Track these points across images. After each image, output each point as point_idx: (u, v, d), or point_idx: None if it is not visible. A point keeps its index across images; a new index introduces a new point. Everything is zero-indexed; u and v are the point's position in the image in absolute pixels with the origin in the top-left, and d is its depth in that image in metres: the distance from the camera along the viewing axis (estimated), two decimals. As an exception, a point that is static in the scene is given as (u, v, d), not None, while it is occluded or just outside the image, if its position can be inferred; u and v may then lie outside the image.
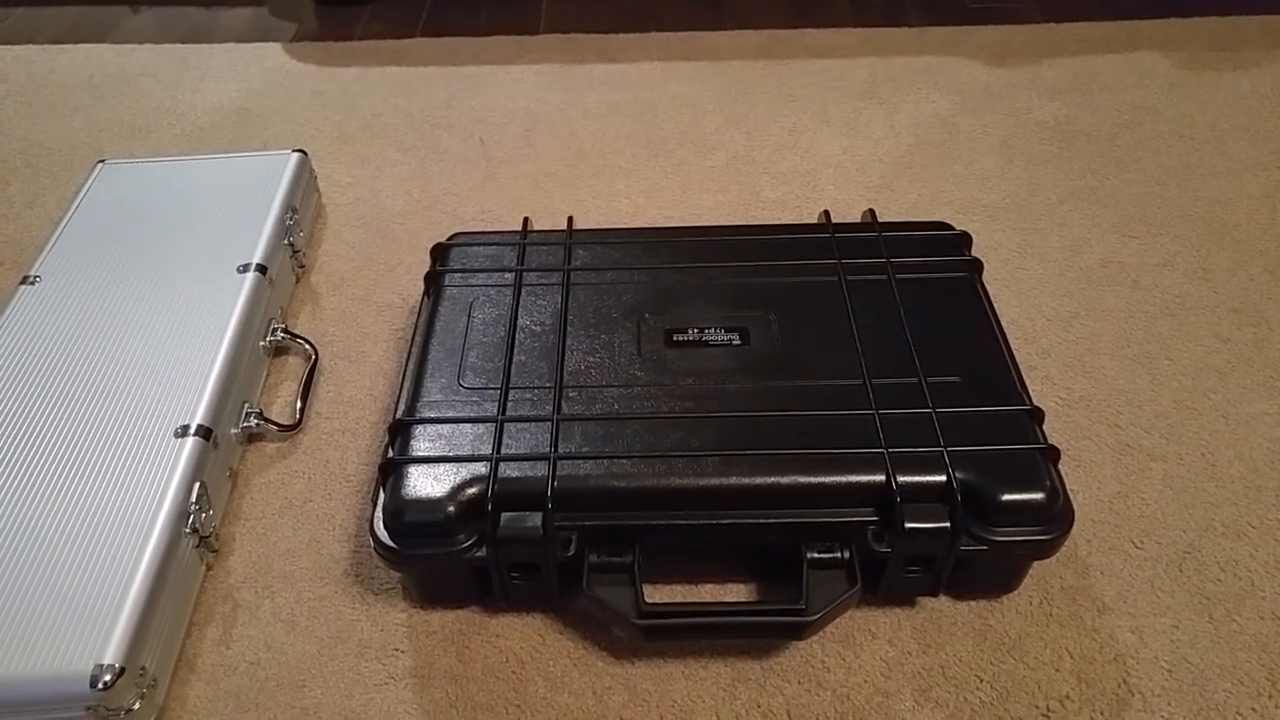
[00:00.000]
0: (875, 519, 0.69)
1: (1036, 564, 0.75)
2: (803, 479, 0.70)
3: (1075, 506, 0.70)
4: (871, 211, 0.93)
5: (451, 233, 0.93)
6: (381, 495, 0.71)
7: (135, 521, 0.72)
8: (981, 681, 0.70)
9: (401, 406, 0.77)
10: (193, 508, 0.75)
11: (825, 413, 0.74)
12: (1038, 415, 0.74)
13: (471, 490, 0.70)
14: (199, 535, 0.76)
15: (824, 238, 0.89)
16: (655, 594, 0.75)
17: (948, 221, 0.92)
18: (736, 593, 0.76)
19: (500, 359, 0.79)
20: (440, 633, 0.74)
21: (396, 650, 0.73)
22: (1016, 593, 0.75)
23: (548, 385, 0.77)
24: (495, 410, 0.75)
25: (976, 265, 0.86)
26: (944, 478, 0.69)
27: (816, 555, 0.69)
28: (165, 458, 0.76)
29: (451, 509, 0.69)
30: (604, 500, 0.70)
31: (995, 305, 0.84)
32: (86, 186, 1.05)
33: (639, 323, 0.82)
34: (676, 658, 0.72)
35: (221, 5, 1.59)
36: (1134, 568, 0.77)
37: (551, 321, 0.82)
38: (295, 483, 0.85)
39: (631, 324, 0.82)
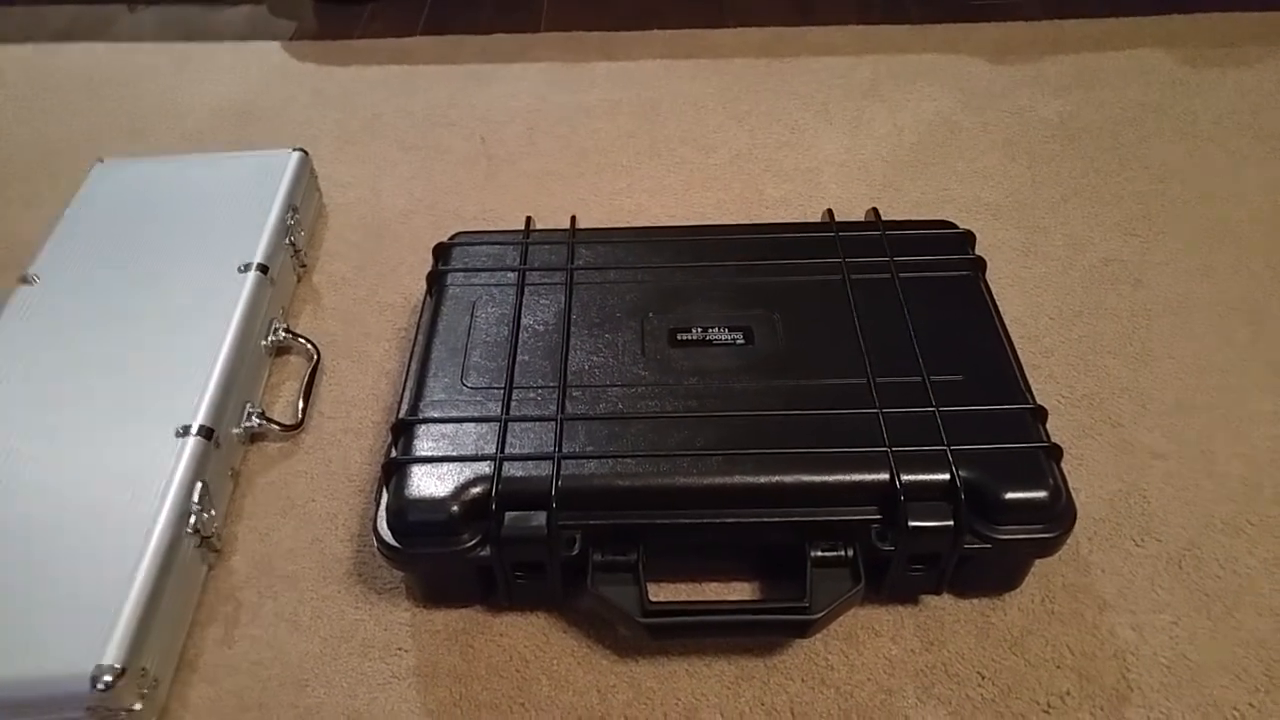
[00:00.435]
0: (879, 517, 0.70)
1: (1038, 562, 0.75)
2: (806, 478, 0.70)
3: (1077, 504, 0.71)
4: (875, 210, 0.93)
5: (453, 232, 0.93)
6: (385, 495, 0.71)
7: (136, 521, 0.72)
8: (983, 678, 0.70)
9: (404, 406, 0.77)
10: (194, 508, 0.75)
11: (829, 411, 0.74)
12: (1041, 414, 0.74)
13: (475, 489, 0.70)
14: (200, 535, 0.76)
15: (828, 236, 0.89)
16: (659, 593, 0.75)
17: (951, 220, 0.92)
18: (740, 591, 0.76)
19: (503, 358, 0.79)
20: (444, 632, 0.74)
21: (400, 649, 0.73)
22: (1019, 590, 0.75)
23: (551, 385, 0.77)
24: (499, 410, 0.75)
25: (980, 264, 0.86)
26: (947, 476, 0.69)
27: (820, 554, 0.69)
28: (166, 458, 0.76)
29: (455, 508, 0.69)
30: (608, 499, 0.70)
31: (998, 303, 0.84)
32: (85, 186, 1.05)
33: (643, 322, 0.82)
34: (681, 656, 0.72)
35: (220, 3, 1.58)
36: (1134, 565, 0.77)
37: (555, 321, 0.82)
38: (298, 483, 0.85)
39: (635, 323, 0.82)
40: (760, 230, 0.92)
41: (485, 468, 0.70)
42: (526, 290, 0.85)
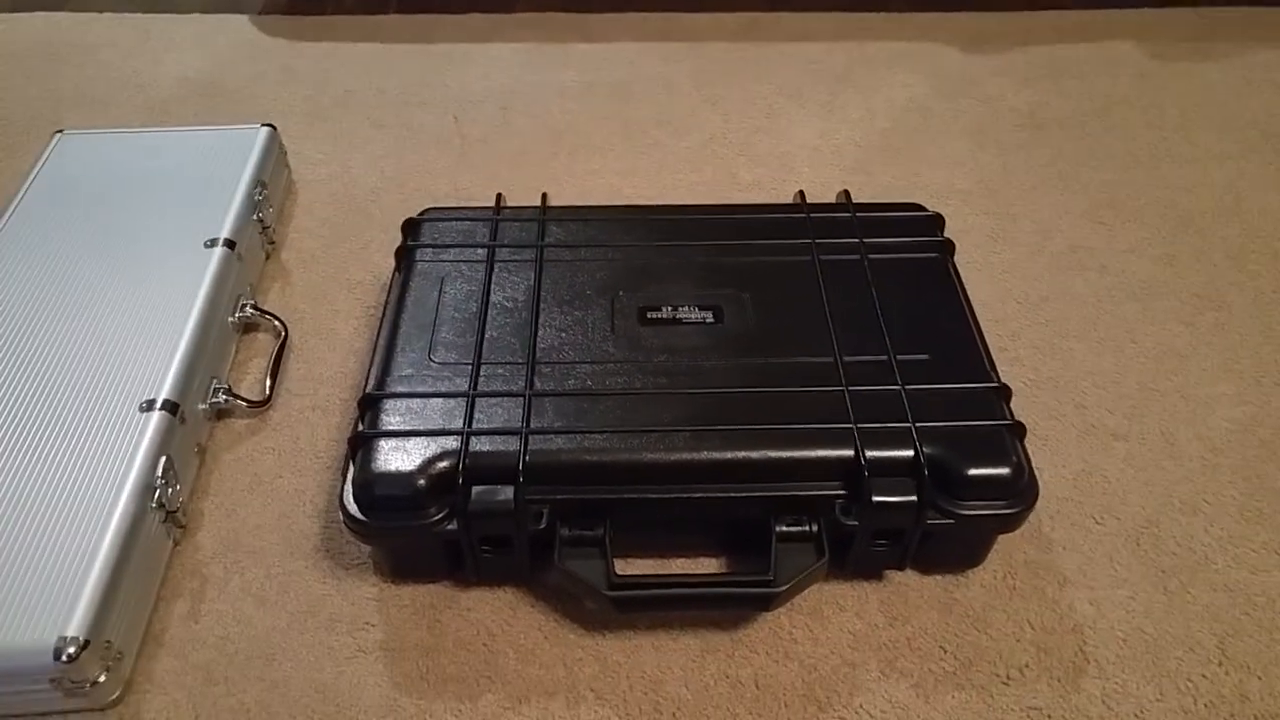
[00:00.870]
0: (844, 493, 0.70)
1: (1001, 539, 0.76)
2: (773, 453, 0.70)
3: (1040, 483, 0.72)
4: (846, 192, 0.93)
5: (423, 209, 0.92)
6: (351, 469, 0.71)
7: (100, 495, 0.71)
8: (945, 652, 0.71)
9: (371, 381, 0.76)
10: (158, 482, 0.74)
11: (796, 389, 0.74)
12: (1005, 393, 0.75)
13: (442, 464, 0.70)
14: (165, 510, 0.75)
15: (798, 218, 0.90)
16: (626, 568, 0.75)
17: (922, 204, 0.92)
18: (707, 566, 0.76)
19: (472, 335, 0.79)
20: (411, 606, 0.74)
21: (367, 624, 0.73)
22: (981, 567, 0.76)
23: (520, 361, 0.77)
24: (467, 385, 0.75)
25: (949, 246, 0.87)
26: (911, 452, 0.70)
27: (785, 528, 0.70)
28: (130, 432, 0.76)
29: (422, 482, 0.69)
30: (576, 474, 0.70)
31: (967, 288, 0.84)
32: (45, 158, 1.03)
33: (613, 300, 0.82)
34: (647, 630, 0.73)
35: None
36: (1094, 542, 0.78)
37: (524, 298, 0.82)
38: (265, 459, 0.85)
39: (605, 301, 0.82)
40: (731, 210, 0.92)
41: (452, 442, 0.70)
42: (496, 267, 0.85)
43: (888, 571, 0.76)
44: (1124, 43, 1.37)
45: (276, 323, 0.95)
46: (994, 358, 0.78)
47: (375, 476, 0.69)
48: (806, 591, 0.74)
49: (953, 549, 0.75)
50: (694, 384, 0.75)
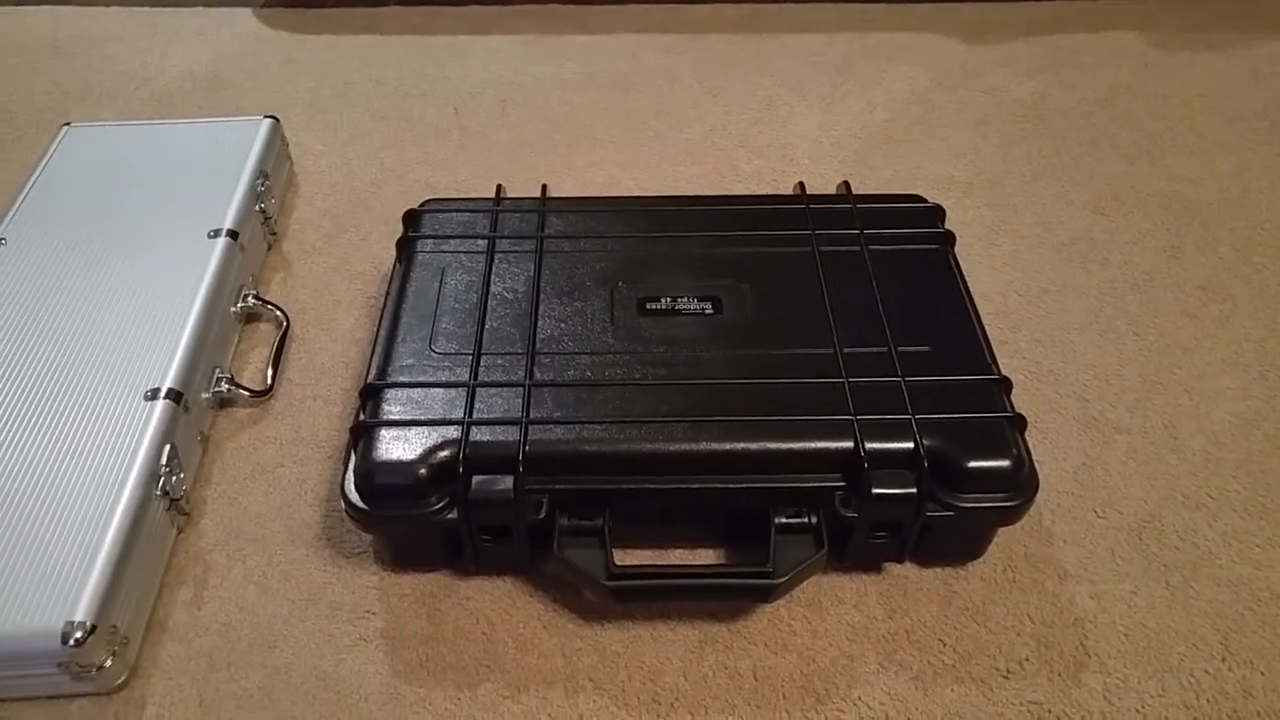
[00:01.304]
0: (843, 484, 0.70)
1: (1001, 532, 0.76)
2: (772, 445, 0.70)
3: (1041, 476, 0.72)
4: (846, 183, 0.93)
5: (424, 200, 0.93)
6: (353, 458, 0.71)
7: (106, 483, 0.72)
8: (944, 645, 0.71)
9: (373, 370, 0.76)
10: (163, 470, 0.75)
11: (796, 380, 0.74)
12: (1005, 385, 0.75)
13: (443, 453, 0.70)
14: (169, 498, 0.76)
15: (798, 209, 0.89)
16: (625, 558, 0.75)
17: (922, 196, 0.92)
18: (705, 557, 0.76)
19: (472, 325, 0.79)
20: (411, 595, 0.74)
21: (368, 612, 0.73)
22: (981, 560, 0.76)
23: (520, 351, 0.77)
24: (467, 375, 0.75)
25: (949, 238, 0.87)
26: (911, 444, 0.70)
27: (785, 520, 0.70)
28: (135, 420, 0.76)
29: (422, 471, 0.69)
30: (575, 464, 0.70)
31: (968, 280, 0.84)
32: (52, 149, 1.03)
33: (612, 291, 0.82)
34: (645, 620, 0.73)
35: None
36: (1095, 536, 0.78)
37: (524, 288, 0.82)
38: (267, 448, 0.85)
39: (604, 292, 0.82)
40: (731, 202, 0.92)
41: (453, 432, 0.71)
42: (496, 258, 0.85)
43: (887, 564, 0.76)
44: (1127, 32, 1.37)
45: (278, 313, 0.96)
46: (995, 350, 0.78)
47: (376, 465, 0.70)
48: (805, 583, 0.74)
49: (952, 542, 0.75)
50: (693, 375, 0.75)
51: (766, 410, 0.72)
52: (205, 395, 0.84)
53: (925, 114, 1.23)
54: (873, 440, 0.70)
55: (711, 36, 1.38)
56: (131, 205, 0.96)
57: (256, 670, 0.70)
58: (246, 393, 0.88)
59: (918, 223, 0.88)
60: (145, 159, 1.02)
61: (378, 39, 1.38)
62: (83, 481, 0.72)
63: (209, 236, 0.92)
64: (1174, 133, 1.19)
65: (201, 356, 0.84)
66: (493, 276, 0.83)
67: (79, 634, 0.63)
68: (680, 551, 0.77)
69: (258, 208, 1.00)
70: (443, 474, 0.69)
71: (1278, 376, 0.90)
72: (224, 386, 0.87)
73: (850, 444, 0.70)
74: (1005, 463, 0.70)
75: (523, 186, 1.11)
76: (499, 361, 0.76)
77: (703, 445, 0.70)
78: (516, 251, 0.86)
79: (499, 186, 0.93)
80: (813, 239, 0.86)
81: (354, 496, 0.70)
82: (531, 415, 0.72)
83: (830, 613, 0.73)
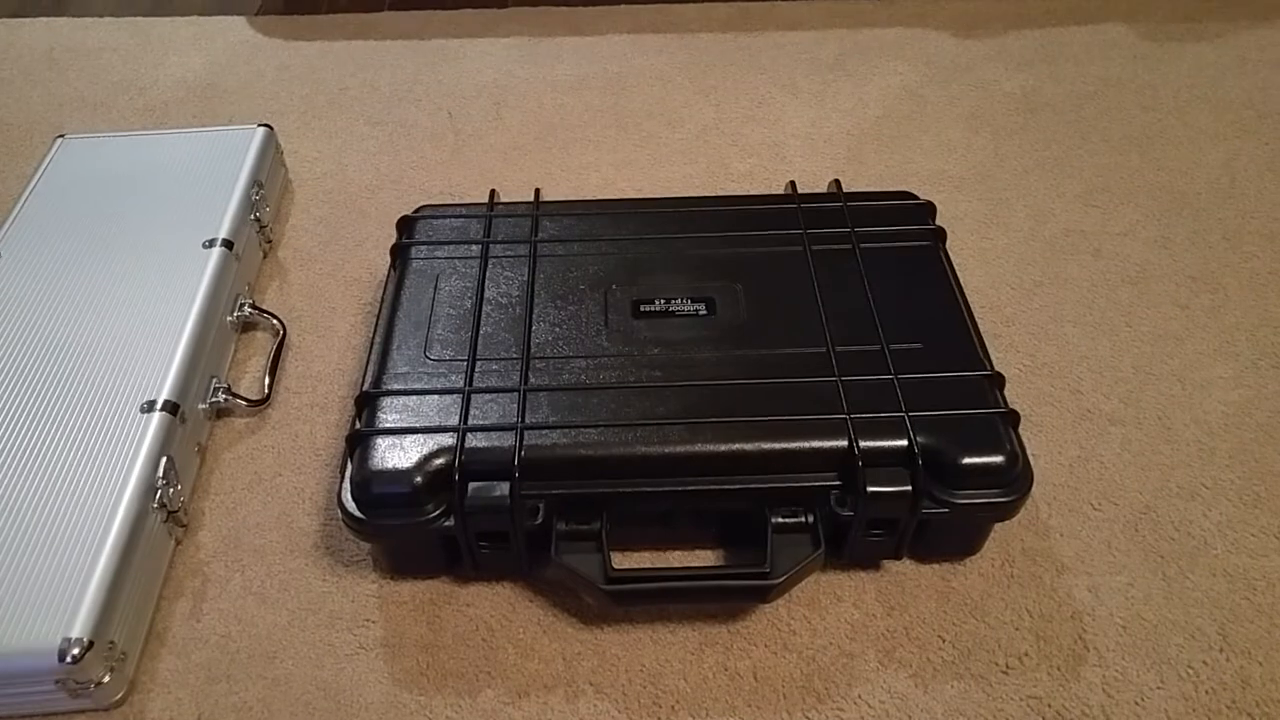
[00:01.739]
0: (838, 483, 0.70)
1: (998, 526, 0.76)
2: (767, 445, 0.70)
3: (1036, 470, 0.72)
4: (837, 182, 0.93)
5: (418, 206, 0.93)
6: (349, 467, 0.72)
7: (102, 496, 0.72)
8: (944, 641, 0.72)
9: (368, 379, 0.77)
10: (160, 482, 0.75)
11: (789, 380, 0.74)
12: (999, 380, 0.75)
13: (439, 461, 0.70)
14: (167, 510, 0.76)
15: (790, 208, 0.90)
16: (623, 561, 0.75)
17: (913, 192, 0.92)
18: (703, 559, 0.77)
19: (467, 331, 0.79)
20: (410, 603, 0.75)
21: (367, 621, 0.74)
22: (979, 555, 0.76)
23: (514, 357, 0.77)
24: (462, 382, 0.75)
25: (940, 234, 0.87)
26: (905, 442, 0.70)
27: (781, 520, 0.70)
28: (132, 433, 0.76)
29: (419, 479, 0.69)
30: (571, 469, 0.70)
31: (960, 274, 0.85)
32: (47, 161, 1.04)
33: (606, 294, 0.82)
34: (645, 623, 0.73)
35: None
36: (1092, 529, 0.78)
37: (518, 293, 0.82)
38: (264, 457, 0.85)
39: (598, 295, 0.82)
40: (722, 202, 0.92)
41: (448, 439, 0.71)
42: (490, 263, 0.85)
43: (885, 561, 0.76)
44: (1117, 25, 1.37)
45: (275, 321, 0.96)
46: (988, 344, 0.78)
47: (373, 474, 0.70)
48: (803, 582, 0.74)
49: (949, 538, 0.75)
50: (687, 376, 0.75)
51: (761, 410, 0.72)
52: (202, 406, 0.85)
53: (916, 109, 1.23)
54: (867, 438, 0.70)
55: (702, 36, 1.38)
56: (126, 216, 0.96)
57: (256, 682, 0.70)
58: (244, 402, 0.88)
59: (908, 220, 0.88)
60: (140, 170, 1.02)
61: (371, 45, 1.38)
62: (79, 495, 0.72)
63: (204, 246, 0.92)
64: (1164, 124, 1.20)
65: (198, 367, 0.84)
66: (487, 282, 0.83)
67: (76, 650, 0.63)
68: (678, 553, 0.77)
69: (253, 216, 1.00)
70: (439, 481, 0.70)
71: (1270, 365, 0.90)
72: (221, 397, 0.87)
73: (845, 443, 0.70)
74: (999, 458, 0.70)
75: (517, 189, 1.12)
76: (494, 367, 0.76)
77: (698, 447, 0.71)
78: (510, 256, 0.86)
79: (492, 191, 0.93)
80: (804, 238, 0.86)
81: (351, 506, 0.70)
82: (527, 420, 0.72)
83: (829, 611, 0.74)
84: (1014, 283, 0.99)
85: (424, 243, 0.87)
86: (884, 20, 1.40)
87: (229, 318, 0.92)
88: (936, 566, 0.76)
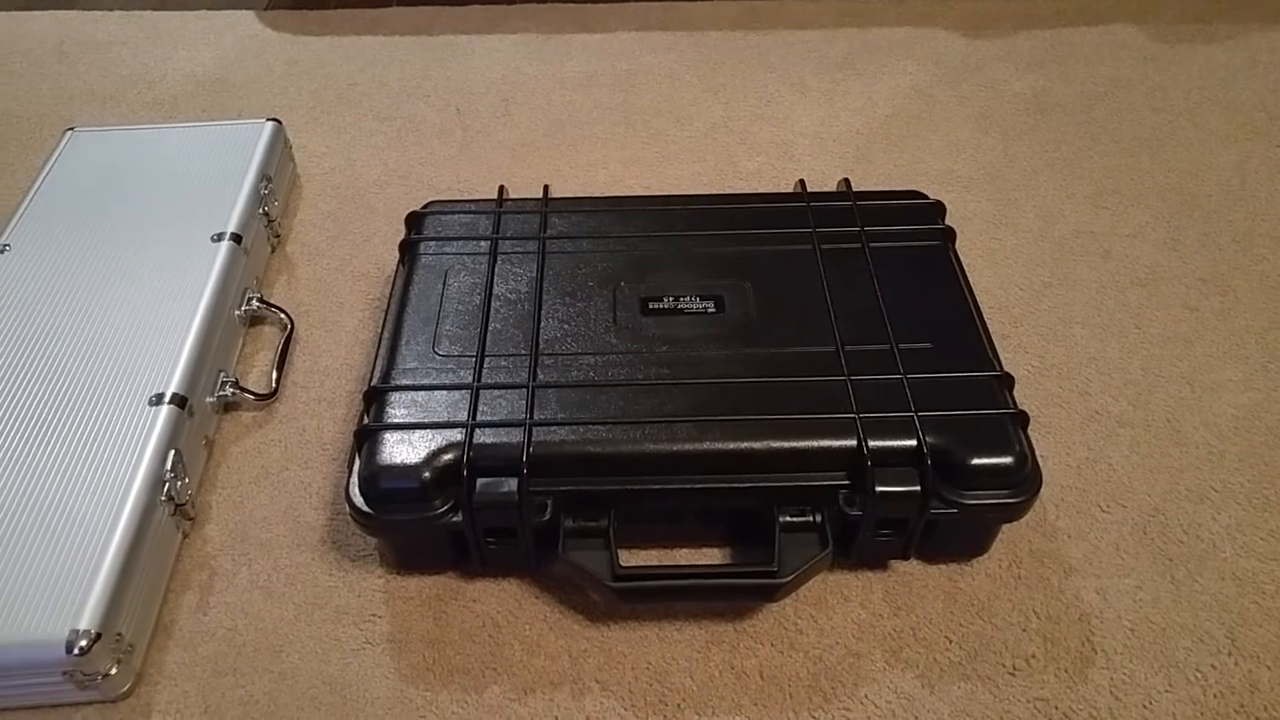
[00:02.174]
0: (847, 483, 0.70)
1: (1006, 527, 0.76)
2: (776, 444, 0.70)
3: (1045, 471, 0.72)
4: (846, 180, 0.93)
5: (427, 201, 0.93)
6: (357, 461, 0.72)
7: (110, 489, 0.72)
8: (951, 642, 0.71)
9: (377, 374, 0.77)
10: (168, 475, 0.75)
11: (798, 379, 0.74)
12: (1008, 381, 0.75)
13: (447, 456, 0.70)
14: (174, 503, 0.76)
15: (799, 206, 0.89)
16: (630, 558, 0.75)
17: (922, 191, 0.92)
18: (711, 557, 0.77)
19: (475, 327, 0.79)
20: (417, 598, 0.75)
21: (373, 615, 0.74)
22: (986, 556, 0.76)
23: (523, 353, 0.77)
24: (471, 377, 0.75)
25: (949, 234, 0.87)
26: (914, 442, 0.70)
27: (789, 519, 0.70)
28: (140, 426, 0.76)
29: (427, 474, 0.69)
30: (579, 465, 0.70)
31: (969, 275, 0.84)
32: (56, 154, 1.04)
33: (614, 291, 0.82)
34: (651, 621, 0.73)
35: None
36: (1100, 531, 0.78)
37: (527, 290, 0.82)
38: (271, 451, 0.85)
39: (607, 292, 0.82)
40: (732, 200, 0.92)
41: (457, 434, 0.71)
42: (499, 259, 0.85)
43: (892, 561, 0.76)
44: (1127, 25, 1.36)
45: (282, 315, 0.96)
46: (997, 345, 0.78)
47: (381, 469, 0.70)
48: (810, 582, 0.74)
49: (957, 538, 0.75)
50: (696, 374, 0.75)
51: (770, 409, 0.72)
52: (210, 399, 0.85)
53: (926, 109, 1.23)
54: (876, 438, 0.70)
55: (711, 34, 1.38)
56: (135, 209, 0.96)
57: (262, 675, 0.70)
58: (251, 396, 0.88)
59: (918, 219, 0.88)
60: (149, 163, 1.02)
61: (380, 40, 1.38)
62: (87, 488, 0.72)
63: (213, 240, 0.93)
64: (1174, 126, 1.19)
65: (206, 361, 0.84)
66: (495, 278, 0.83)
67: (84, 642, 0.63)
68: (685, 551, 0.77)
69: (261, 210, 1.00)
70: (447, 477, 0.70)
71: (1279, 368, 0.90)
72: (228, 390, 0.87)
73: (853, 442, 0.70)
74: (1008, 460, 0.70)
75: (525, 186, 1.12)
76: (502, 363, 0.76)
77: (706, 445, 0.70)
78: (519, 253, 0.86)
79: (501, 187, 0.93)
80: (814, 237, 0.86)
81: (359, 501, 0.70)
82: (535, 417, 0.72)
83: (836, 611, 0.73)
84: (1023, 283, 0.99)
85: (433, 238, 0.87)
86: (893, 19, 1.39)
87: (237, 311, 0.93)
88: (944, 567, 0.76)
